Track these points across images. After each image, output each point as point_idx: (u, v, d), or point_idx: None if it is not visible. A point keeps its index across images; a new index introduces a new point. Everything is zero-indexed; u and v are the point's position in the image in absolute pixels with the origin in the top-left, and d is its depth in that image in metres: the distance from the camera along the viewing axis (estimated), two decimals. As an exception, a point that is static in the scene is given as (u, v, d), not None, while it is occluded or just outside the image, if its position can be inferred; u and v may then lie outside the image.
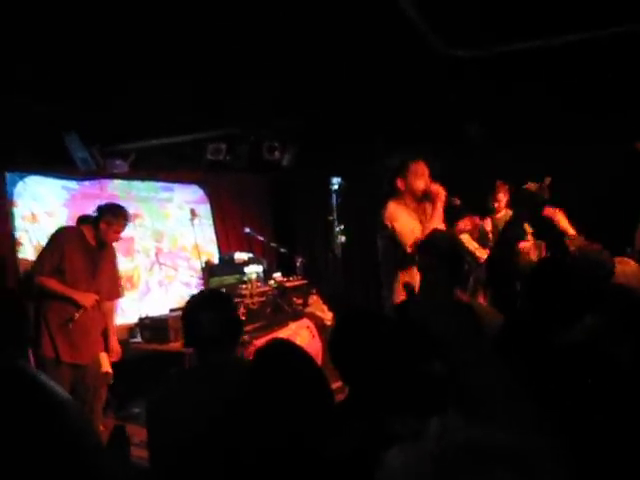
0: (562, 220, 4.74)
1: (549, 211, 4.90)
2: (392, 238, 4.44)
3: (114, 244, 5.29)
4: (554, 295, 2.40)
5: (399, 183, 4.57)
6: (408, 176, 4.54)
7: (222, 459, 2.01)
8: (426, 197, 4.56)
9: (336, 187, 6.92)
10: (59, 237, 5.05)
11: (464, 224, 4.67)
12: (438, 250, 3.33)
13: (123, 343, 5.62)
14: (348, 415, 2.08)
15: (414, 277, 4.01)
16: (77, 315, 4.84)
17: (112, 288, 5.32)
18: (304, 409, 1.97)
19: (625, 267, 3.59)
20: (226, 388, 2.31)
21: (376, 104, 6.67)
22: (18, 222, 6.46)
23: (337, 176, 6.98)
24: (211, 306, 2.80)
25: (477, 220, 4.67)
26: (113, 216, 5.04)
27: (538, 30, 5.12)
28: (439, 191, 4.49)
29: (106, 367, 5.09)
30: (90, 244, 5.06)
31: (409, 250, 4.28)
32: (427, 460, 0.95)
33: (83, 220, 5.44)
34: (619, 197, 5.97)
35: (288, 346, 2.28)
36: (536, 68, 5.70)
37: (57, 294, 4.86)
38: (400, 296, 4.13)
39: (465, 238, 4.92)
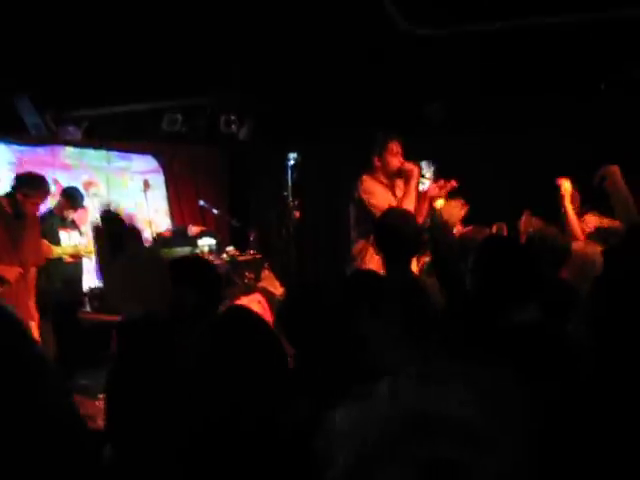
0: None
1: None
2: (367, 211, 4.53)
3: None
4: (507, 273, 2.39)
5: (375, 160, 4.72)
6: (384, 153, 4.69)
7: (179, 427, 2.02)
8: (398, 174, 4.70)
9: (292, 163, 6.90)
10: None
11: (433, 190, 4.69)
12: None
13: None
14: (294, 389, 2.10)
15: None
16: (0, 290, 4.75)
17: (37, 256, 5.25)
18: (262, 372, 1.99)
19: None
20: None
21: (336, 81, 6.66)
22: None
23: (293, 152, 6.96)
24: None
25: (443, 182, 4.68)
26: (30, 188, 4.96)
27: (502, 11, 5.17)
28: (413, 169, 4.61)
29: (35, 336, 5.05)
30: (8, 215, 4.96)
31: None
32: (374, 421, 0.90)
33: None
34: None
35: (244, 311, 2.30)
36: (498, 49, 5.74)
37: None
38: (369, 265, 4.24)
39: (440, 204, 4.92)
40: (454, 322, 2.63)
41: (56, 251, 5.93)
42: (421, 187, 4.70)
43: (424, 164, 4.74)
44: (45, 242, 5.85)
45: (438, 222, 3.31)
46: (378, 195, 4.61)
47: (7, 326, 1.33)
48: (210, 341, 2.14)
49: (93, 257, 6.80)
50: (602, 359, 2.03)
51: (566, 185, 4.68)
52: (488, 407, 0.94)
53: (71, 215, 6.24)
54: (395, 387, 0.93)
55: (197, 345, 2.13)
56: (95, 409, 2.80)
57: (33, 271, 5.28)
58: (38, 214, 5.39)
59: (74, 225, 6.35)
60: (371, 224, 4.36)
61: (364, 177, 4.70)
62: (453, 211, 3.47)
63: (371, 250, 4.40)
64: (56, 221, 6.09)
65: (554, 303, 2.61)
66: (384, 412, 0.91)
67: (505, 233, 5.05)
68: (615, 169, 4.11)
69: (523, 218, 4.95)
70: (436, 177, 4.76)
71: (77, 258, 6.21)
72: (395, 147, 4.71)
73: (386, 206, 4.41)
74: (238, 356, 2.01)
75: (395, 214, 3.68)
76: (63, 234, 6.13)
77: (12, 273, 4.83)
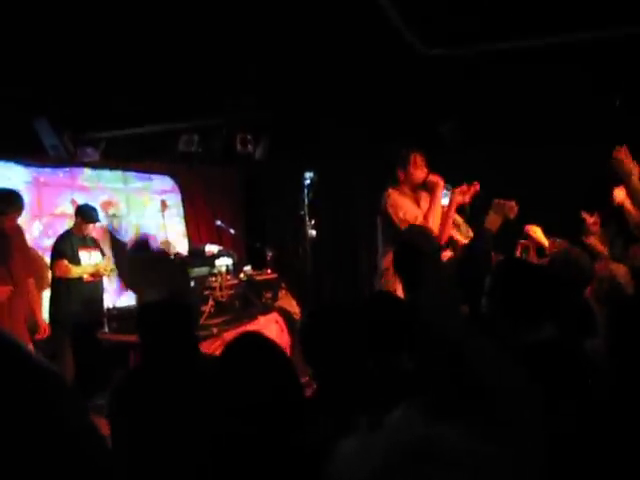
0: (538, 233, 4.80)
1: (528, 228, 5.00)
2: (394, 225, 4.60)
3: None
4: (521, 296, 2.38)
5: (399, 173, 4.79)
6: (408, 166, 4.77)
7: (191, 448, 2.01)
8: (423, 187, 4.78)
9: (308, 181, 6.91)
10: None
11: (458, 196, 4.69)
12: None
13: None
14: (315, 409, 2.08)
15: None
16: None
17: (27, 268, 5.23)
18: (272, 400, 1.98)
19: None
20: (194, 381, 2.32)
21: (351, 100, 6.68)
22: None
23: (309, 170, 6.98)
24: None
25: (466, 187, 4.68)
26: (5, 205, 4.95)
27: (516, 30, 5.17)
28: (438, 181, 4.70)
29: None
30: None
31: None
32: (378, 452, 0.93)
33: None
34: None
35: (258, 338, 2.29)
36: (512, 68, 5.75)
37: None
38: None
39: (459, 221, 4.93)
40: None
41: (76, 271, 5.95)
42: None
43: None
44: (64, 262, 5.87)
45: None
46: (405, 208, 4.67)
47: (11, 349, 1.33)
48: (220, 368, 2.13)
49: (113, 276, 6.85)
50: (620, 379, 2.00)
51: (620, 195, 4.67)
52: (494, 439, 0.96)
53: (90, 232, 6.26)
54: (402, 418, 0.95)
55: (207, 372, 2.12)
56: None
57: (30, 284, 5.26)
58: (19, 226, 5.35)
59: (95, 244, 6.37)
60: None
61: (390, 191, 4.75)
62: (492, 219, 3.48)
63: None
64: (75, 241, 6.11)
65: (571, 322, 2.59)
66: (390, 442, 0.93)
67: (532, 253, 5.03)
68: (620, 154, 4.21)
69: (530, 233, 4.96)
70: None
71: (97, 277, 6.23)
72: (419, 159, 4.78)
73: (413, 219, 4.55)
74: (248, 382, 2.00)
75: (415, 231, 3.69)
76: (84, 254, 6.14)
77: (2, 292, 4.80)
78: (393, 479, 0.90)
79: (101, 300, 6.36)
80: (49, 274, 6.09)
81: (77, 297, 5.95)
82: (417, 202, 4.81)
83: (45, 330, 5.24)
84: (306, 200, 6.94)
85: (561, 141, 6.55)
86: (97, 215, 6.31)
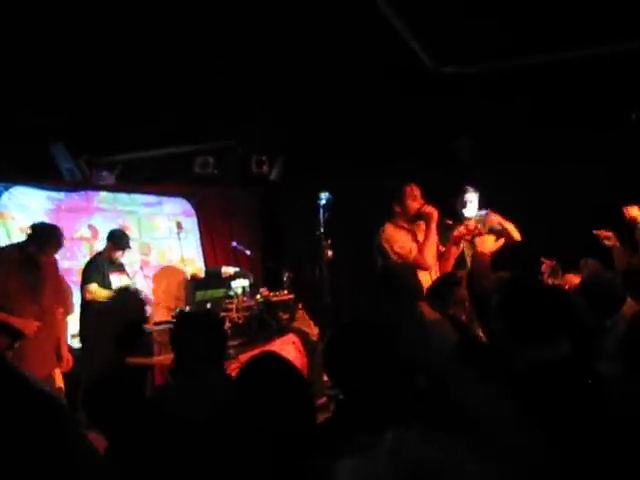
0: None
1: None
2: (390, 259, 4.60)
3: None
4: (529, 316, 2.34)
5: (395, 206, 4.82)
6: (403, 199, 4.79)
7: (208, 469, 1.99)
8: (419, 217, 4.78)
9: (324, 202, 6.89)
10: None
11: (459, 232, 4.70)
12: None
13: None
14: (334, 431, 2.05)
15: None
16: (16, 345, 4.68)
17: (57, 299, 5.20)
18: (288, 421, 1.96)
19: None
20: (212, 401, 2.30)
21: (365, 120, 6.68)
22: (1, 232, 6.40)
23: (325, 191, 6.95)
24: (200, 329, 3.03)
25: (470, 226, 4.67)
26: (43, 243, 4.90)
27: (529, 47, 5.16)
28: (432, 212, 4.70)
29: (59, 383, 5.04)
30: (22, 264, 4.87)
31: None
32: (373, 474, 0.93)
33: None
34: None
35: (274, 359, 2.27)
36: (526, 85, 5.73)
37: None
38: None
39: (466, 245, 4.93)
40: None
41: (106, 294, 5.93)
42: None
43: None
44: (94, 286, 5.87)
45: (475, 262, 3.33)
46: (400, 241, 4.68)
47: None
48: (237, 388, 2.11)
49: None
50: (633, 397, 1.96)
51: (634, 211, 4.69)
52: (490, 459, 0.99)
53: (119, 257, 6.25)
54: (398, 440, 0.95)
55: (222, 393, 2.10)
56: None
57: (59, 314, 5.23)
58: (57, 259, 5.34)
59: (123, 268, 6.38)
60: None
61: (386, 225, 4.78)
62: (487, 243, 3.47)
63: None
64: (106, 265, 6.09)
65: (582, 340, 2.54)
66: (385, 464, 0.93)
67: (557, 270, 5.03)
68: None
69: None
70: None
71: None
72: (413, 190, 4.80)
73: (407, 252, 4.59)
74: (264, 404, 1.98)
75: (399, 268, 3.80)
76: (114, 277, 6.13)
77: (30, 327, 4.75)
78: None
79: None
80: (73, 300, 6.10)
81: None
82: (414, 235, 4.80)
83: (69, 362, 5.21)
84: (322, 220, 6.90)
85: (578, 157, 6.50)
86: (128, 241, 6.29)
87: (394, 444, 0.96)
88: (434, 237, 4.68)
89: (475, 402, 1.67)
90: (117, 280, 6.15)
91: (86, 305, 5.98)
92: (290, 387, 2.11)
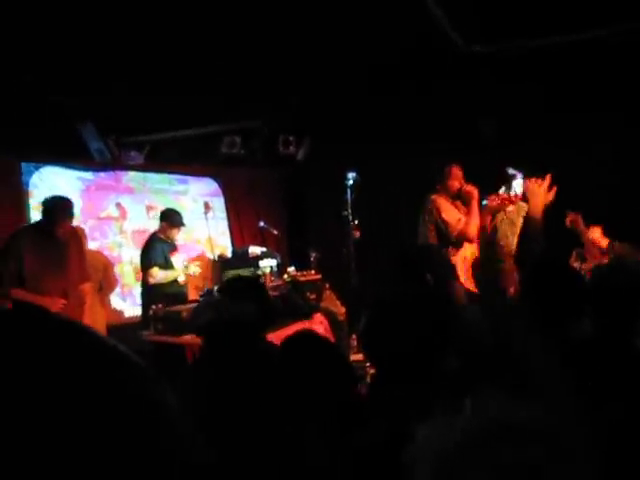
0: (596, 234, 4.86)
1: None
2: (438, 227, 4.87)
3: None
4: (554, 294, 2.35)
5: (437, 186, 5.05)
6: (445, 179, 5.00)
7: (251, 443, 2.00)
8: (458, 196, 5.00)
9: (351, 182, 6.87)
10: (11, 244, 4.81)
11: (492, 201, 4.65)
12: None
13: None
14: (374, 407, 2.06)
15: (457, 263, 4.56)
16: None
17: (81, 275, 5.17)
18: (333, 396, 1.98)
19: None
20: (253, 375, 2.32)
21: (392, 100, 6.64)
22: (33, 213, 6.45)
23: (352, 171, 6.93)
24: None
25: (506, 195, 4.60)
26: (55, 213, 4.86)
27: (555, 27, 5.09)
28: (472, 190, 4.89)
29: None
30: (43, 239, 4.85)
31: (455, 236, 4.82)
32: (456, 433, 0.95)
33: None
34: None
35: (315, 336, 2.31)
36: (554, 66, 5.64)
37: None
38: None
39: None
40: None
41: (170, 276, 6.00)
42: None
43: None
44: (156, 269, 5.89)
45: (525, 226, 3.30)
46: (448, 211, 4.91)
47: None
48: (280, 366, 2.13)
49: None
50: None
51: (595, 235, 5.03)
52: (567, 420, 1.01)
53: (174, 236, 6.24)
54: (479, 400, 0.96)
55: (263, 369, 2.12)
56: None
57: (83, 290, 5.20)
58: (73, 230, 5.27)
59: (176, 247, 6.36)
60: (444, 237, 4.82)
61: (433, 196, 4.99)
62: (536, 190, 3.39)
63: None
64: (165, 247, 6.10)
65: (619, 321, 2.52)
66: (467, 423, 0.94)
67: (580, 223, 5.17)
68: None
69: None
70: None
71: (184, 282, 6.26)
72: (455, 171, 5.00)
73: (456, 221, 4.83)
74: (306, 380, 1.99)
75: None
76: (175, 258, 6.16)
77: (56, 304, 4.75)
78: (472, 457, 0.92)
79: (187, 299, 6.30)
80: (115, 274, 6.12)
81: (172, 299, 5.89)
82: (457, 209, 5.01)
83: None
84: (349, 200, 6.88)
85: (603, 140, 6.40)
86: (181, 219, 6.27)
87: (476, 404, 0.98)
88: (477, 212, 4.79)
89: (537, 357, 1.66)
90: (177, 260, 6.18)
91: (150, 289, 6.02)
92: (334, 362, 2.13)
